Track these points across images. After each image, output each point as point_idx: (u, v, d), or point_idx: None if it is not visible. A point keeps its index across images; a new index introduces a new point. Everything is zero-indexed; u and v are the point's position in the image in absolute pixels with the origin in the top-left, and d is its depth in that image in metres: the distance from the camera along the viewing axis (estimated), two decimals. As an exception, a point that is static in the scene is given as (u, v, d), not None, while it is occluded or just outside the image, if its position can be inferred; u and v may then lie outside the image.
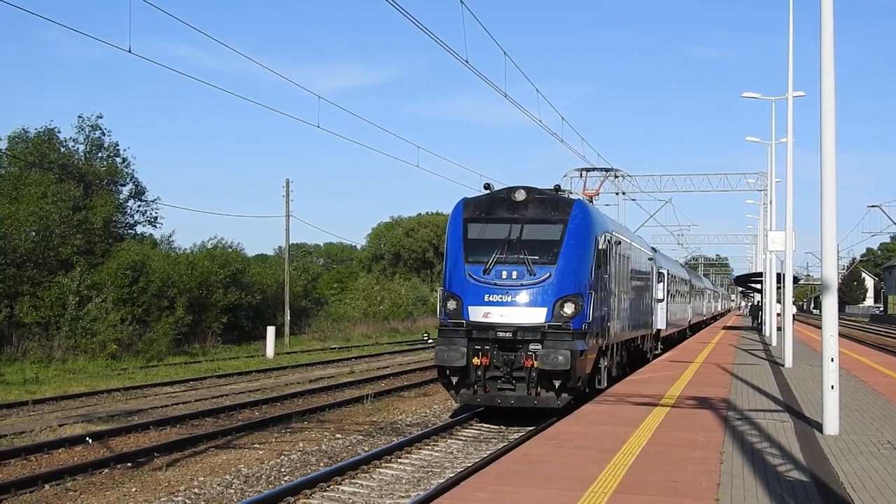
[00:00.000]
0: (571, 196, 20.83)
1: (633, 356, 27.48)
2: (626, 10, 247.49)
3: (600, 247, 19.96)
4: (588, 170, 29.00)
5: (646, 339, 30.41)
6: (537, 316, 18.26)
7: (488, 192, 20.08)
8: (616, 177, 51.95)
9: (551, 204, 19.47)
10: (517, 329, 18.20)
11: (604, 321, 20.39)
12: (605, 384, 20.80)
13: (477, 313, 18.47)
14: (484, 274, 18.67)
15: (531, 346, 18.13)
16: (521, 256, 18.70)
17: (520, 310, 18.34)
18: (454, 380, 18.60)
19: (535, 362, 17.92)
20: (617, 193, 54.67)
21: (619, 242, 22.93)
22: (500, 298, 18.43)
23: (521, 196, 19.46)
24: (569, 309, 18.32)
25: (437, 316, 19.80)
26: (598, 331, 19.76)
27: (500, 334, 18.26)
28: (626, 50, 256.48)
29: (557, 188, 20.22)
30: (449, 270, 19.32)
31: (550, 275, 18.49)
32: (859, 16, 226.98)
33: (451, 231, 19.71)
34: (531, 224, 19.14)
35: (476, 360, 18.26)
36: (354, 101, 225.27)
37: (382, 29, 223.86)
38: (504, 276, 18.59)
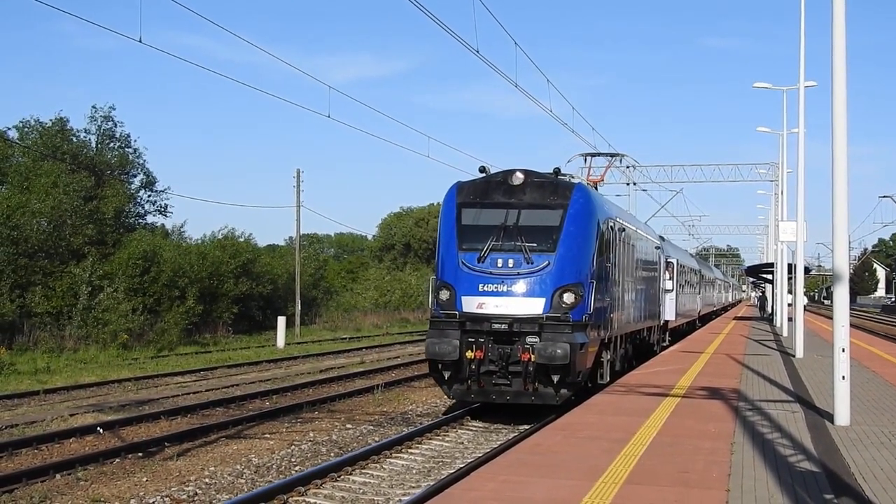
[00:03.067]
0: (572, 180, 19.74)
1: (640, 348, 26.65)
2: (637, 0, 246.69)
3: (603, 233, 19.07)
4: (593, 155, 27.53)
5: (653, 331, 29.42)
6: (535, 307, 17.30)
7: (484, 175, 19.09)
8: (627, 167, 51.92)
9: (550, 188, 18.46)
10: (513, 321, 17.23)
11: (606, 312, 19.48)
12: (608, 379, 19.86)
13: (471, 304, 17.52)
14: (478, 262, 17.70)
15: (528, 339, 17.15)
16: (518, 243, 17.74)
17: (516, 300, 17.38)
18: (446, 374, 17.66)
19: (532, 356, 16.97)
20: (628, 184, 54.71)
21: (624, 229, 21.98)
22: (496, 288, 17.47)
23: (518, 179, 18.47)
24: (568, 299, 17.41)
25: (429, 307, 18.82)
26: (601, 322, 18.83)
27: (496, 326, 17.30)
28: (637, 40, 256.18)
29: (557, 171, 19.11)
30: (441, 258, 18.34)
31: (549, 263, 17.54)
32: (871, 4, 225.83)
33: (444, 217, 18.80)
34: (529, 209, 18.15)
35: (470, 354, 17.28)
36: (366, 92, 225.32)
37: (394, 19, 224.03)
38: (500, 265, 17.62)
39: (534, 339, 17.13)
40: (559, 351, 16.78)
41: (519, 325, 17.26)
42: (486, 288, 17.54)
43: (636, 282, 24.47)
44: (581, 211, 18.24)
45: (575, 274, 17.74)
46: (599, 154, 28.25)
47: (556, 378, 17.08)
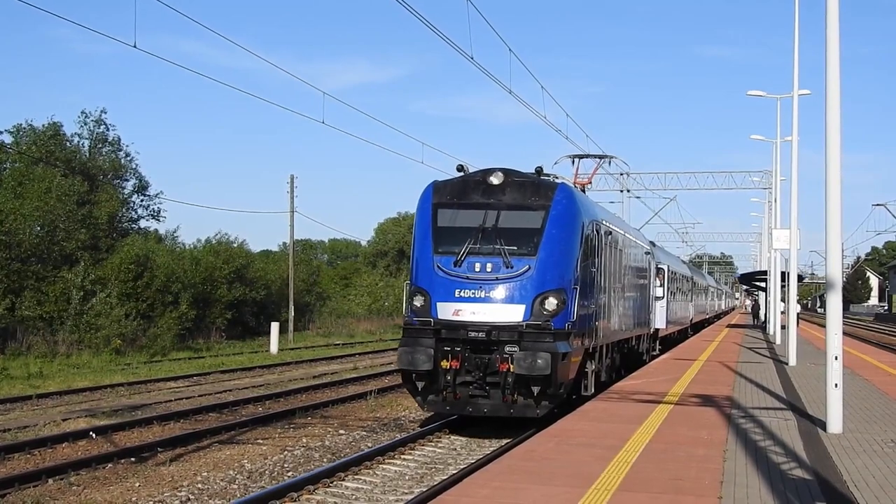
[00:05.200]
0: (556, 180, 18.53)
1: (629, 358, 25.91)
2: (632, 8, 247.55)
3: (587, 237, 18.06)
4: (581, 157, 25.83)
5: (642, 340, 28.49)
6: (514, 314, 16.40)
7: (461, 174, 18.11)
8: (621, 174, 51.97)
9: (532, 188, 17.46)
10: (491, 329, 16.31)
11: (591, 320, 18.49)
12: (593, 390, 18.89)
13: (446, 311, 16.60)
14: (455, 266, 16.76)
15: (507, 348, 16.23)
16: (497, 247, 16.79)
17: (495, 307, 16.47)
18: (420, 385, 16.72)
19: (511, 366, 16.03)
20: (621, 190, 54.79)
21: (611, 233, 20.92)
22: (473, 294, 16.56)
23: (497, 179, 17.45)
24: (550, 306, 16.47)
25: (403, 314, 17.96)
26: (585, 330, 17.86)
27: (473, 334, 16.35)
28: (632, 48, 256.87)
29: (539, 171, 18.09)
30: (416, 262, 17.41)
31: (530, 267, 16.59)
32: (865, 15, 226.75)
33: (419, 218, 17.80)
34: (509, 210, 17.17)
35: (445, 364, 16.37)
36: (362, 98, 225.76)
37: (390, 26, 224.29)
38: (477, 269, 16.68)
39: (513, 349, 16.24)
40: (540, 361, 15.85)
41: (497, 334, 16.36)
42: (462, 293, 16.67)
43: (624, 288, 23.59)
44: (564, 212, 17.32)
45: (557, 279, 16.82)
46: (588, 156, 26.73)
47: (536, 390, 16.18)
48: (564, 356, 16.38)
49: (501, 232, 17.02)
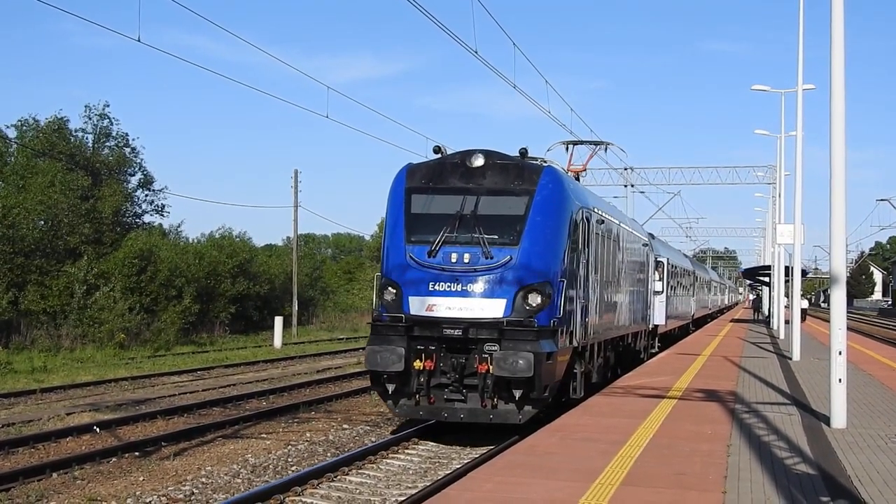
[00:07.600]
0: (543, 164, 16.98)
1: (624, 356, 24.48)
2: (636, 3, 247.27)
3: (577, 225, 16.64)
4: (575, 143, 24.25)
5: (639, 337, 26.98)
6: (494, 309, 15.01)
7: (439, 156, 16.64)
8: (626, 169, 51.96)
9: (515, 171, 16.01)
10: (469, 325, 14.94)
11: (580, 316, 17.05)
12: (582, 392, 17.49)
13: (419, 306, 15.24)
14: (429, 257, 15.39)
15: (486, 347, 14.85)
16: (476, 235, 15.40)
17: (473, 301, 15.07)
18: (391, 388, 15.27)
19: (490, 367, 14.63)
20: (625, 185, 54.82)
21: (603, 222, 19.29)
22: (449, 287, 15.14)
23: (478, 161, 16.06)
24: (534, 300, 15.14)
25: (372, 309, 16.62)
26: (573, 328, 16.47)
27: (448, 332, 14.97)
28: (636, 44, 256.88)
29: (524, 152, 16.52)
30: (386, 252, 16.05)
31: (511, 258, 15.22)
32: (869, 10, 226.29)
33: (391, 204, 16.36)
34: (489, 196, 15.81)
35: (418, 364, 14.96)
36: (366, 93, 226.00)
37: (394, 21, 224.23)
38: (454, 260, 15.28)
39: (493, 348, 14.85)
40: (522, 362, 14.46)
41: (475, 331, 14.98)
42: (437, 287, 15.24)
43: (619, 281, 22.16)
44: (550, 198, 15.90)
45: (542, 271, 15.44)
46: (582, 142, 25.20)
47: (518, 393, 14.82)
48: (549, 356, 15.06)
49: (481, 219, 15.64)
